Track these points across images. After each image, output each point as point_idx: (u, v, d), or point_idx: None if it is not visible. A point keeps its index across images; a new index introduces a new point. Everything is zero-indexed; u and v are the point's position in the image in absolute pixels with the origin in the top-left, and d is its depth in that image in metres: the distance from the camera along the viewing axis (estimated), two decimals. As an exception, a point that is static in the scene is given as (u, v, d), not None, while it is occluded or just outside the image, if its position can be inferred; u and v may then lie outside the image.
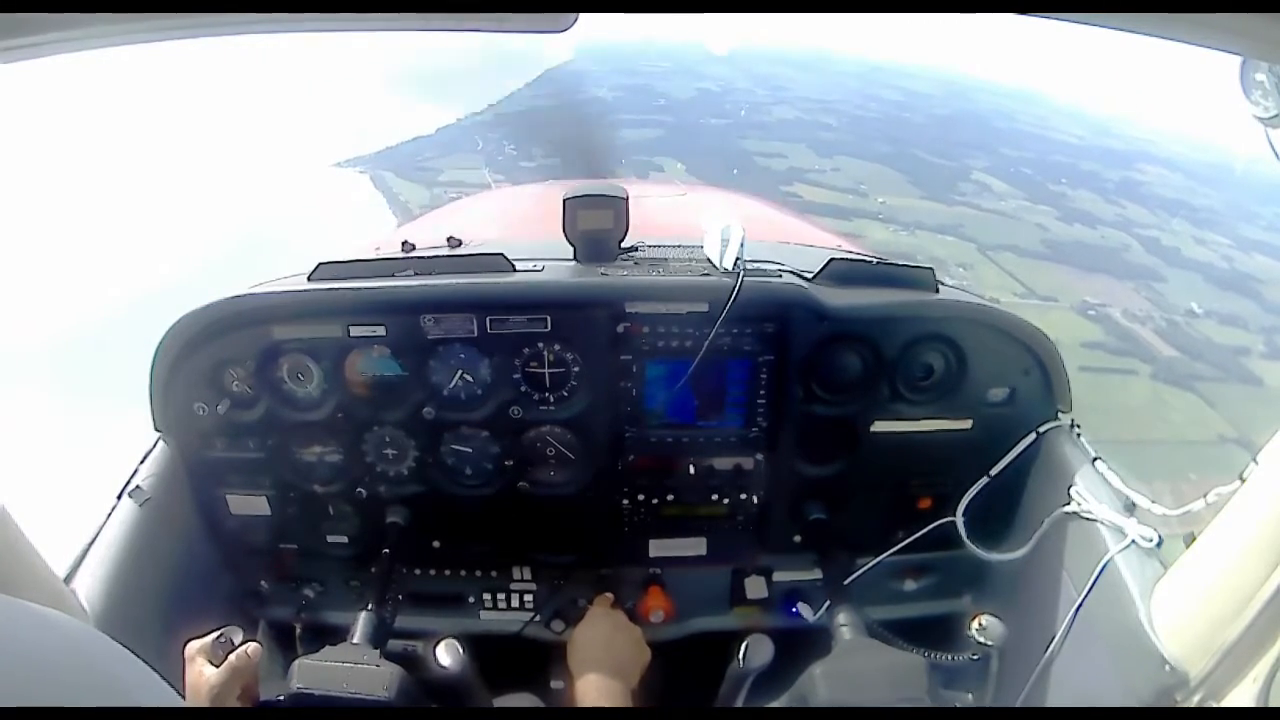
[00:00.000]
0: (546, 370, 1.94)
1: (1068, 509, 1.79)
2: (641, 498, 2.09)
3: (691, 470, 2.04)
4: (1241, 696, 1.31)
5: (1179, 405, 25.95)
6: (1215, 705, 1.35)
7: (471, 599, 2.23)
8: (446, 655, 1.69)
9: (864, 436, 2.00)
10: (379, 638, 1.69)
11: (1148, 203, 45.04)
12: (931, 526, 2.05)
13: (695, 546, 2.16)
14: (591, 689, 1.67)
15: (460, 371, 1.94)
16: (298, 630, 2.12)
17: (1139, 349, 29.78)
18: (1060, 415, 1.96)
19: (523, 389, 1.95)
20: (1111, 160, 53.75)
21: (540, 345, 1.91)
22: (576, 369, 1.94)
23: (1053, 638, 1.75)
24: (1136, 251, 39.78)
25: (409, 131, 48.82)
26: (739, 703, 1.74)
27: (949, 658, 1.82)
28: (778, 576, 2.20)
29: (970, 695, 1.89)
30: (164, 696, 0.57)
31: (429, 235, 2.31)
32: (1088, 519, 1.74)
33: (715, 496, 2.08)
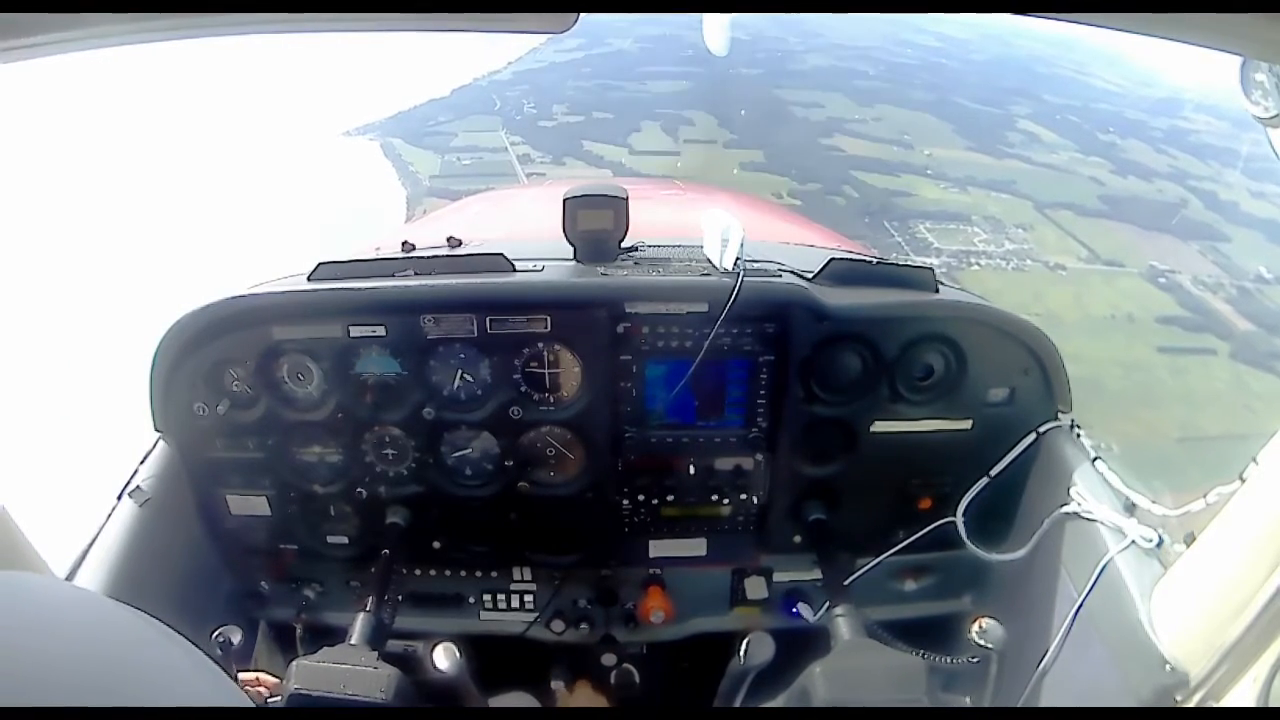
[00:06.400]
0: (546, 370, 1.94)
1: (1068, 509, 1.79)
2: (641, 498, 2.09)
3: (691, 471, 2.04)
4: (1241, 696, 1.31)
5: (1262, 390, 24.50)
6: (1215, 705, 1.35)
7: (471, 599, 2.23)
8: (443, 659, 1.69)
9: (864, 437, 2.00)
10: (377, 639, 1.69)
11: (1199, 152, 42.72)
12: (931, 527, 2.05)
13: (695, 547, 2.16)
14: None
15: (460, 371, 1.94)
16: (298, 631, 2.12)
17: (1214, 323, 28.39)
18: (1060, 415, 1.96)
19: (523, 389, 1.95)
20: (1157, 108, 51.39)
21: (540, 345, 1.91)
22: (576, 369, 1.94)
23: (1053, 638, 1.75)
24: (1195, 207, 38.02)
25: (423, 94, 48.07)
26: (738, 702, 1.74)
27: (948, 660, 1.82)
28: (778, 577, 2.20)
29: (969, 697, 1.89)
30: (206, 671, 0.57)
31: (429, 235, 2.31)
32: (1088, 519, 1.74)
33: (715, 497, 2.08)
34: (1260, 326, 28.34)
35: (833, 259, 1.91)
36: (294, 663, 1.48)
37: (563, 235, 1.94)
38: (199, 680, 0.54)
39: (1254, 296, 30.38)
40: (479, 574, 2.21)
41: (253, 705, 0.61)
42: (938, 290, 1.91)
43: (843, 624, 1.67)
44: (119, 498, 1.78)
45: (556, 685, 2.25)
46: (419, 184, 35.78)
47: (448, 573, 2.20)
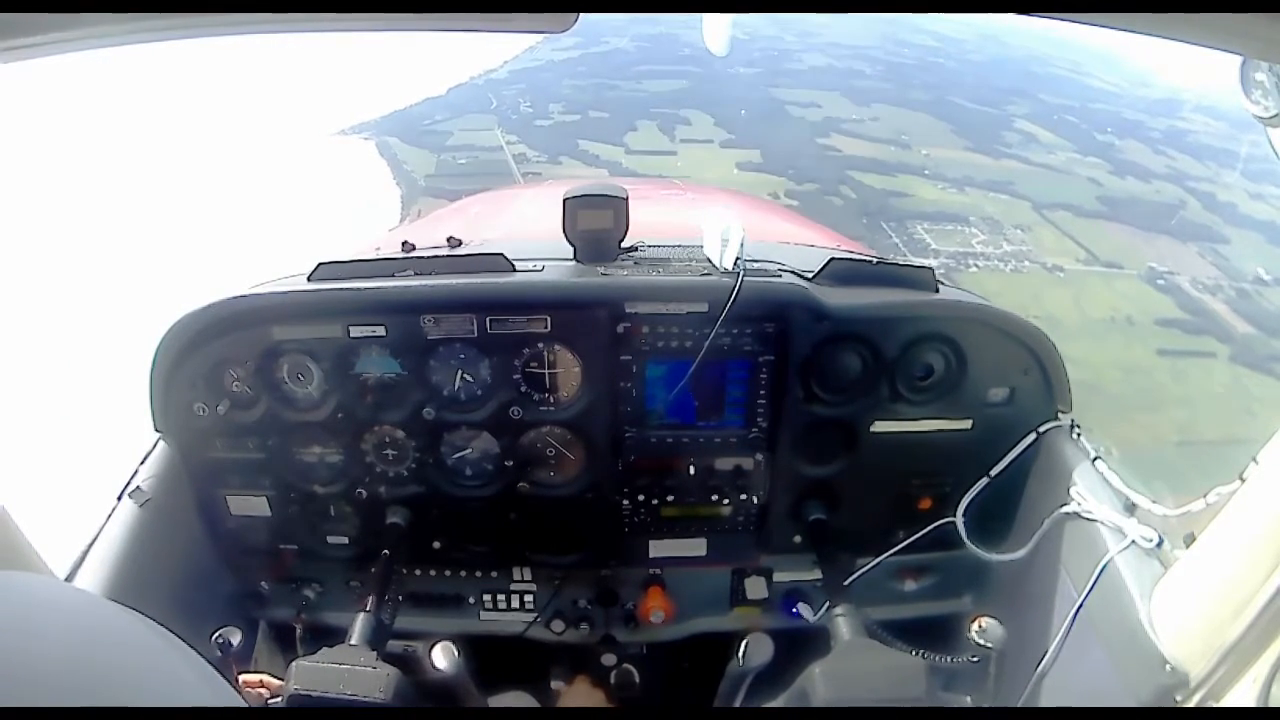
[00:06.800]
0: (546, 370, 1.94)
1: (1068, 509, 1.79)
2: (641, 498, 2.09)
3: (691, 471, 2.04)
4: (1241, 696, 1.31)
5: (1262, 393, 23.81)
6: (1215, 705, 1.35)
7: (471, 600, 2.23)
8: (442, 658, 1.69)
9: (864, 437, 2.00)
10: (377, 639, 1.69)
11: (1197, 153, 42.53)
12: (932, 527, 2.05)
13: (695, 547, 2.16)
14: None
15: (460, 372, 1.94)
16: (298, 631, 2.12)
17: (1214, 325, 27.86)
18: (1060, 415, 1.96)
19: (523, 389, 1.95)
20: (1155, 108, 51.11)
21: (540, 345, 1.91)
22: (576, 369, 1.94)
23: (1053, 638, 1.75)
24: (1194, 208, 37.59)
25: (419, 93, 47.46)
26: (738, 702, 1.75)
27: (948, 660, 1.82)
28: (778, 577, 2.20)
29: (969, 697, 1.89)
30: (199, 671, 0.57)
31: (429, 235, 2.31)
32: (1088, 519, 1.74)
33: (715, 497, 2.08)
34: (1260, 329, 28.07)
35: (833, 259, 1.91)
36: (293, 663, 1.48)
37: (563, 235, 1.94)
38: (193, 681, 0.54)
39: (1253, 298, 30.13)
40: (479, 574, 2.20)
41: (245, 705, 0.61)
42: (938, 290, 1.91)
43: (843, 624, 1.67)
44: (119, 498, 1.78)
45: (556, 685, 2.26)
46: (414, 183, 35.55)
47: (448, 573, 2.20)
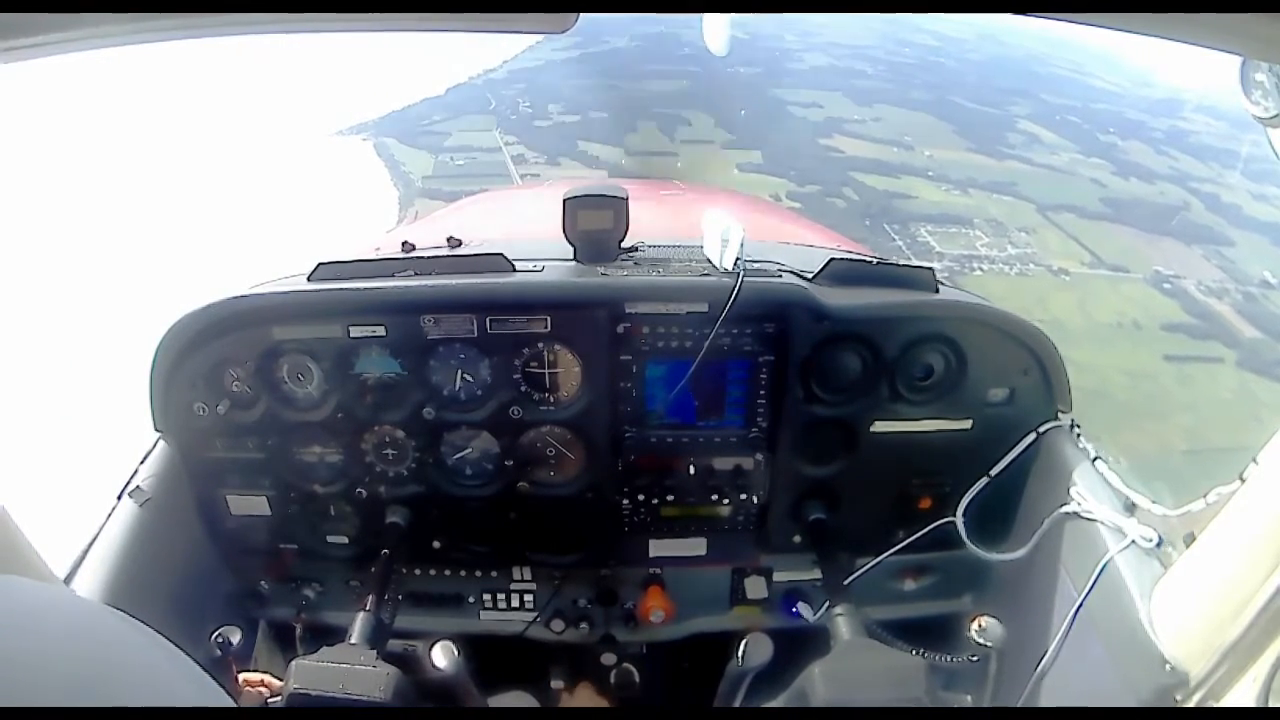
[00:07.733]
0: (546, 370, 1.94)
1: (1067, 509, 1.79)
2: (641, 498, 2.09)
3: (691, 470, 2.04)
4: (1241, 696, 1.31)
5: (1270, 399, 23.66)
6: (1215, 705, 1.35)
7: (471, 599, 2.23)
8: (442, 657, 1.69)
9: (864, 437, 2.00)
10: (377, 638, 1.69)
11: (1200, 154, 42.10)
12: (931, 527, 2.06)
13: (695, 547, 2.16)
14: None
15: (460, 372, 1.94)
16: (298, 630, 2.13)
17: (1221, 330, 27.66)
18: (1060, 415, 1.96)
19: (523, 389, 1.96)
20: (1156, 108, 50.64)
21: (540, 345, 1.91)
22: (576, 369, 1.94)
23: (1053, 638, 1.75)
24: (1197, 210, 37.34)
25: (417, 93, 47.24)
26: (738, 702, 1.74)
27: (948, 659, 1.82)
28: (778, 576, 2.20)
29: (969, 696, 1.89)
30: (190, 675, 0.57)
31: (429, 235, 2.31)
32: (1088, 519, 1.74)
33: (715, 497, 2.08)
34: (1267, 334, 27.81)
35: (833, 259, 1.92)
36: (293, 662, 1.49)
37: (563, 235, 1.94)
38: (181, 682, 0.54)
39: (1260, 302, 29.87)
40: (479, 574, 2.21)
41: (234, 706, 0.61)
42: (938, 290, 1.91)
43: (842, 624, 1.67)
44: (119, 498, 1.78)
45: (556, 685, 2.26)
46: (411, 185, 35.41)
47: (448, 572, 2.20)
